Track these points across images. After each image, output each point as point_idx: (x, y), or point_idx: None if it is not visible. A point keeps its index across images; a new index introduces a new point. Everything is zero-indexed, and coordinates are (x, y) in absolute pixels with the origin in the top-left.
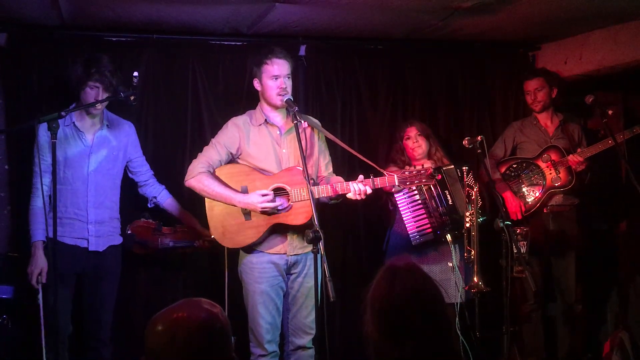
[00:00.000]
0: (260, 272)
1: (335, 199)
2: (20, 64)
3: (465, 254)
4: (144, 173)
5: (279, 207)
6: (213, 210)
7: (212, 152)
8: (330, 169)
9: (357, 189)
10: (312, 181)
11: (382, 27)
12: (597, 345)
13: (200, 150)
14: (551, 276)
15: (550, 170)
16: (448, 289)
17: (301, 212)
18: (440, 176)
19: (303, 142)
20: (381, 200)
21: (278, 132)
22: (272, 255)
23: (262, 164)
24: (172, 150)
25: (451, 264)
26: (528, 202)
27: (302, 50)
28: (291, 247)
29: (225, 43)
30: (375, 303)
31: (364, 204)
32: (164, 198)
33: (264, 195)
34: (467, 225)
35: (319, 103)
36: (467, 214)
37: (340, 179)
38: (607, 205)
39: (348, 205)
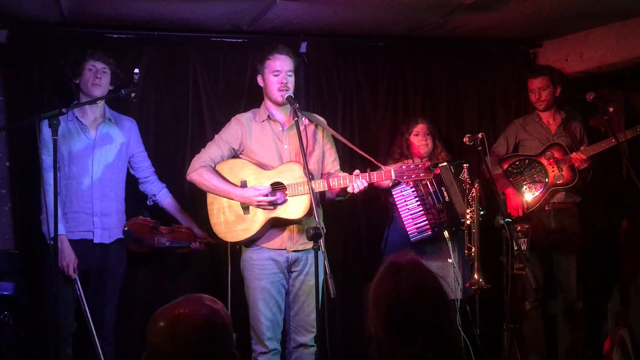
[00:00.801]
0: (261, 268)
1: (341, 195)
2: (20, 61)
3: (466, 251)
4: (144, 169)
5: (276, 202)
6: (213, 205)
7: (214, 148)
8: (337, 167)
9: (354, 183)
10: (311, 176)
11: (382, 24)
12: (597, 343)
13: (201, 147)
14: (552, 273)
15: (552, 167)
16: (447, 285)
17: (298, 206)
18: (438, 170)
19: (304, 139)
20: (381, 199)
21: (280, 128)
22: (272, 251)
23: (264, 160)
24: (172, 147)
25: (450, 260)
26: (530, 199)
27: (303, 47)
28: (291, 242)
29: (226, 40)
30: (379, 301)
31: (364, 202)
32: (163, 197)
33: (259, 189)
34: (468, 222)
35: (320, 100)
36: (468, 210)
37: (345, 174)
38: (608, 203)
39: (349, 204)
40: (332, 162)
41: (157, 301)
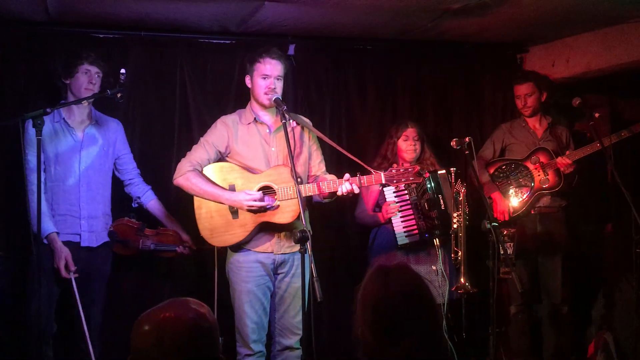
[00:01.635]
0: (247, 271)
1: (329, 197)
2: (5, 59)
3: (453, 255)
4: (129, 171)
5: (267, 207)
6: (201, 209)
7: (201, 151)
8: (323, 168)
9: (344, 188)
10: (299, 180)
11: (371, 27)
12: (582, 347)
13: (188, 149)
14: (537, 277)
15: (538, 172)
16: (434, 289)
17: (288, 210)
18: (427, 174)
19: (291, 141)
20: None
21: (267, 131)
22: (259, 254)
23: (251, 163)
24: (159, 149)
25: (435, 267)
26: (516, 203)
27: (291, 50)
28: (278, 245)
29: (214, 41)
30: (367, 303)
31: (351, 205)
32: (148, 199)
33: (250, 194)
34: (455, 226)
35: (308, 102)
36: (455, 215)
37: (333, 177)
38: (593, 207)
39: (336, 206)
40: (318, 163)
41: (143, 304)
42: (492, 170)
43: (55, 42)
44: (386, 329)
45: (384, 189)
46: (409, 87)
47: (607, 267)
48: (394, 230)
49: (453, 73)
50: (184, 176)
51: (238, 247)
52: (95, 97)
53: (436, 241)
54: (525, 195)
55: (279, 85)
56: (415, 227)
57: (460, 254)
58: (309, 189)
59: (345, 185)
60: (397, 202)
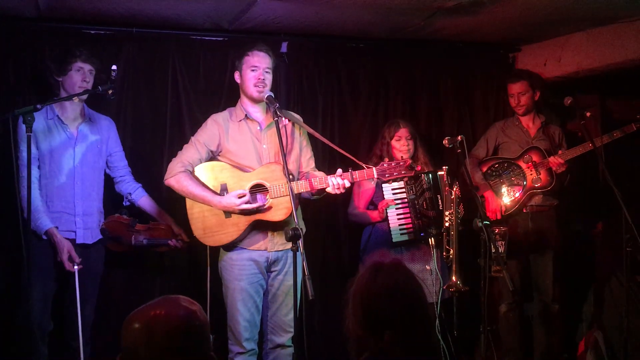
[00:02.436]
0: (240, 269)
1: (317, 194)
2: None
3: (444, 253)
4: (120, 168)
5: (259, 207)
6: (193, 209)
7: (192, 151)
8: (313, 165)
9: (336, 183)
10: (291, 177)
11: (364, 25)
12: (573, 345)
13: (180, 147)
14: (529, 276)
15: (531, 171)
16: (426, 287)
17: (281, 208)
18: (419, 167)
19: (283, 138)
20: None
21: (258, 128)
22: (253, 252)
23: (242, 160)
24: (151, 146)
25: (429, 267)
26: (508, 202)
27: (284, 47)
28: (272, 243)
29: (207, 38)
30: (356, 296)
31: (344, 202)
32: (139, 195)
33: (240, 196)
34: (447, 224)
35: (300, 100)
36: (447, 213)
37: (322, 174)
38: (584, 206)
39: (328, 204)
40: (307, 160)
41: (134, 302)
42: (485, 169)
43: (46, 38)
44: (370, 320)
45: (383, 185)
46: (401, 85)
47: (597, 265)
48: (389, 227)
49: (445, 72)
50: (175, 177)
51: (232, 245)
52: (86, 93)
53: (431, 240)
54: (517, 194)
55: (268, 78)
56: (410, 224)
57: (451, 252)
58: (301, 186)
59: (336, 179)
60: (394, 199)
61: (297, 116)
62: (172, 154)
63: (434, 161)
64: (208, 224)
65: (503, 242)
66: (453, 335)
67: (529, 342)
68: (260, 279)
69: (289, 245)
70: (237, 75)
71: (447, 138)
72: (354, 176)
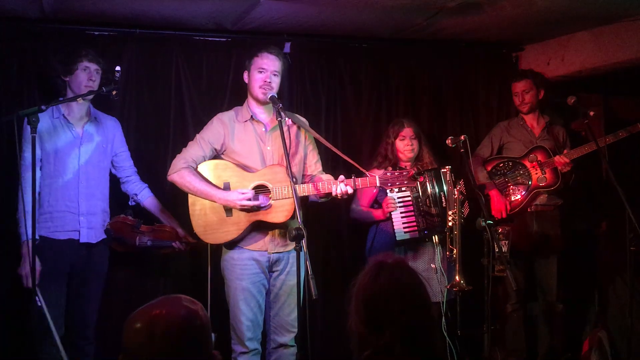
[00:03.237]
0: (242, 268)
1: (325, 197)
2: None
3: (448, 253)
4: (126, 169)
5: (260, 205)
6: (195, 206)
7: (196, 148)
8: (320, 168)
9: (339, 189)
10: (294, 180)
11: (367, 25)
12: (577, 344)
13: (183, 146)
14: (533, 275)
15: (536, 170)
16: (430, 288)
17: (282, 210)
18: (422, 178)
19: (287, 140)
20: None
21: (263, 129)
22: (254, 251)
23: (246, 161)
24: (154, 146)
25: (434, 266)
26: (513, 201)
27: (287, 48)
28: (272, 244)
29: (209, 39)
30: (359, 292)
31: (346, 203)
32: (145, 196)
33: (243, 193)
34: (450, 224)
35: (303, 100)
36: (450, 212)
37: (328, 177)
38: (588, 206)
39: (331, 205)
40: (314, 163)
41: (137, 301)
42: (489, 168)
43: (50, 39)
44: (373, 317)
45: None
46: (404, 85)
47: (601, 265)
48: (393, 226)
49: (448, 71)
50: (178, 173)
51: (232, 244)
52: (90, 94)
53: (435, 238)
54: (522, 193)
55: (275, 81)
56: (414, 223)
57: (455, 252)
58: (304, 189)
59: (340, 187)
60: (397, 198)
61: (303, 119)
62: (175, 153)
63: (439, 161)
64: (209, 222)
65: (506, 242)
66: (457, 335)
67: (533, 341)
68: (262, 278)
69: (290, 246)
70: (245, 75)
71: (450, 138)
72: (356, 183)
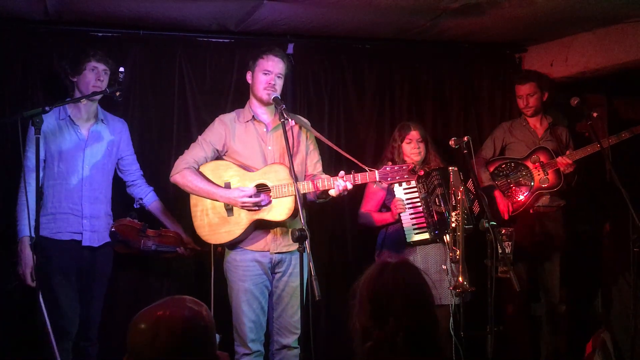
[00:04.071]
0: (245, 270)
1: (322, 197)
2: (4, 58)
3: (451, 254)
4: (133, 172)
5: (261, 203)
6: (197, 207)
7: (198, 150)
8: (320, 169)
9: (338, 184)
10: (296, 178)
11: (370, 27)
12: (580, 346)
13: (186, 148)
14: (536, 276)
15: (538, 171)
16: (442, 290)
17: (282, 208)
18: (422, 172)
19: (290, 140)
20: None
21: (264, 129)
22: (256, 253)
23: (248, 161)
24: (158, 147)
25: (445, 267)
26: (515, 202)
27: (290, 49)
28: (275, 244)
29: (213, 40)
30: (363, 288)
31: (349, 203)
32: (150, 200)
33: (244, 190)
34: (453, 225)
35: (306, 101)
36: (453, 213)
37: (328, 177)
38: (591, 207)
39: (334, 206)
40: (315, 164)
41: (140, 302)
42: (492, 169)
43: (55, 41)
44: (375, 309)
45: (394, 186)
46: (407, 86)
47: (605, 266)
48: (403, 228)
49: (451, 72)
50: (180, 173)
51: (234, 245)
52: (94, 95)
53: (446, 238)
54: (525, 194)
55: (279, 83)
56: (424, 223)
57: (458, 253)
58: (304, 187)
59: (339, 181)
60: (406, 199)
61: (305, 120)
62: (179, 154)
63: (446, 163)
64: (210, 222)
65: (510, 243)
66: (460, 336)
67: (536, 342)
68: (265, 280)
69: (293, 246)
70: (248, 76)
71: (453, 139)
72: (356, 178)
